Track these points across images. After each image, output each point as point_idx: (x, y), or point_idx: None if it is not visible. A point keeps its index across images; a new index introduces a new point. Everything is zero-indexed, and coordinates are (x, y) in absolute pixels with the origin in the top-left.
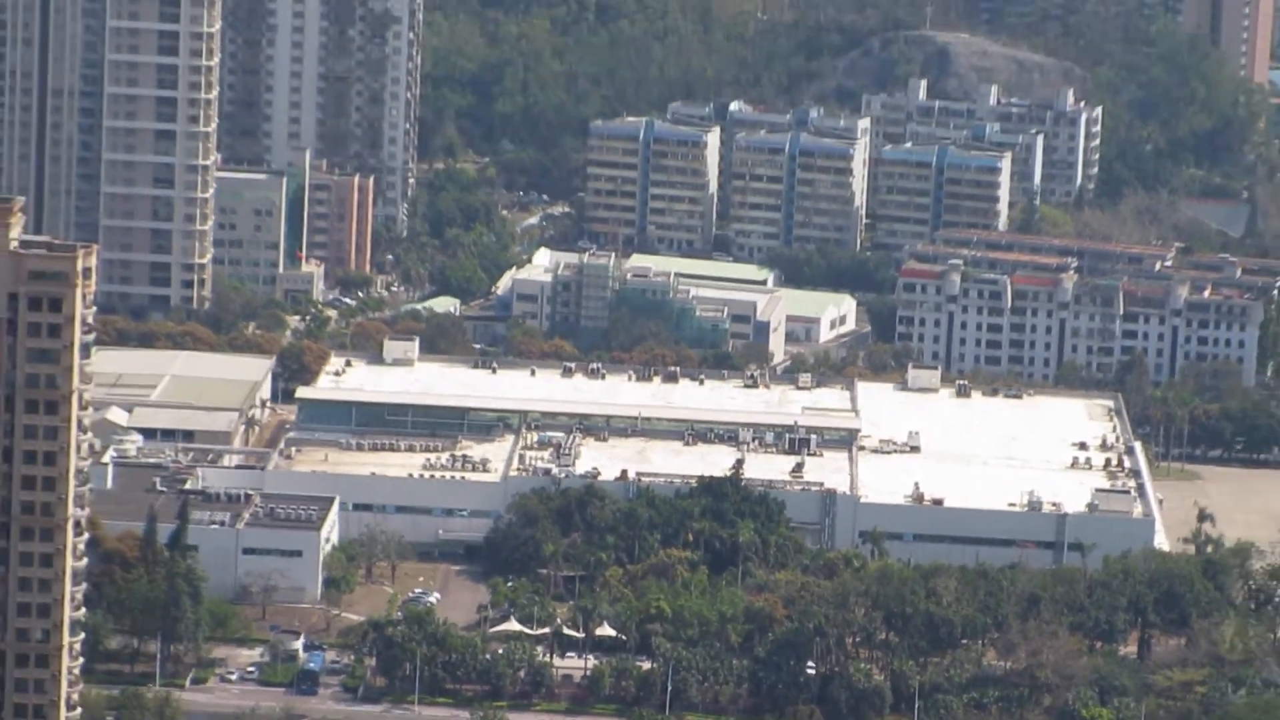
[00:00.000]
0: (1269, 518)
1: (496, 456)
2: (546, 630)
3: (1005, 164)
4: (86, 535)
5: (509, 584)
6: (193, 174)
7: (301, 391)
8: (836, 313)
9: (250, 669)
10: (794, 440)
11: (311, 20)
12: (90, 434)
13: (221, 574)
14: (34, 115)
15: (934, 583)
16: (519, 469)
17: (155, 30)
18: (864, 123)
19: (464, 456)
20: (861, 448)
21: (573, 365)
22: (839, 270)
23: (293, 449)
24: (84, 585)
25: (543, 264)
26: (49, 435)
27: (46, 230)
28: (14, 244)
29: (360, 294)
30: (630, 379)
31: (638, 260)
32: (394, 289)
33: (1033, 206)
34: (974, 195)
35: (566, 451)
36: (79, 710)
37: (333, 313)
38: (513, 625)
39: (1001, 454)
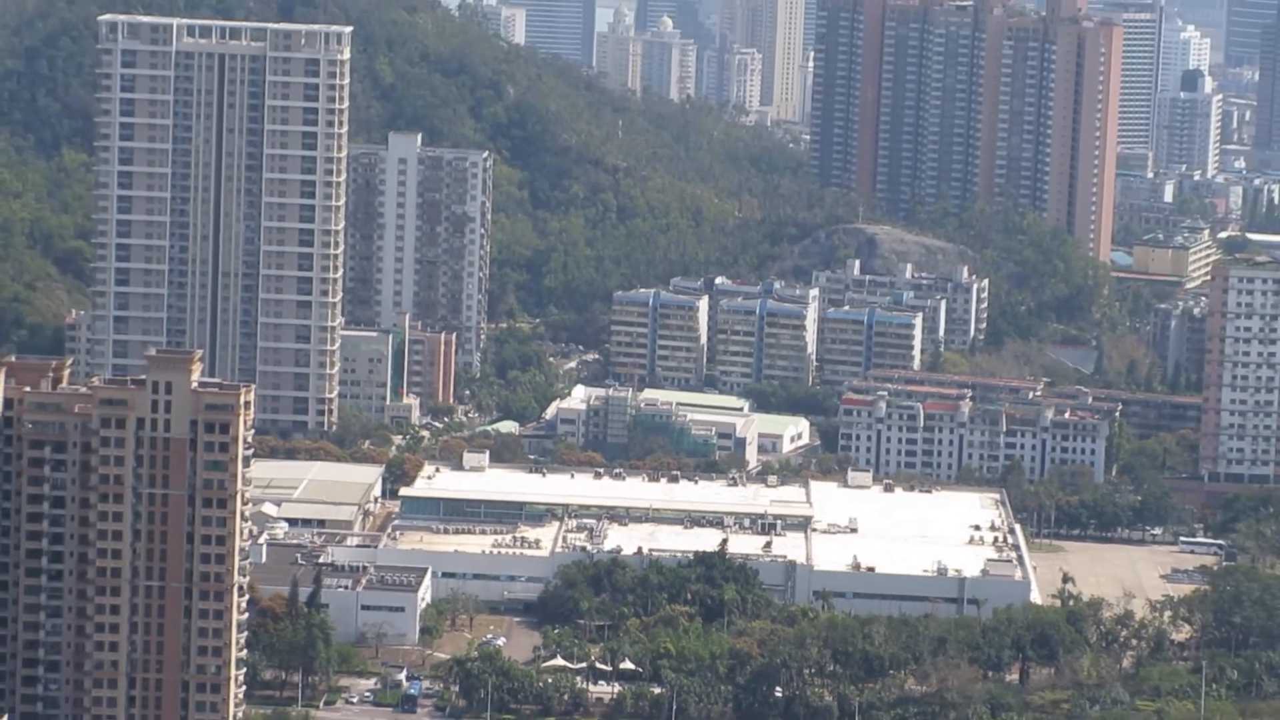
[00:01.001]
0: (1114, 580)
1: (546, 538)
2: (584, 665)
3: (918, 321)
4: (247, 596)
5: (556, 631)
6: (324, 333)
7: (403, 491)
8: (795, 431)
9: (367, 694)
10: (764, 524)
11: (410, 220)
12: (249, 522)
13: (346, 624)
14: (209, 290)
15: (869, 629)
16: (562, 547)
17: (297, 229)
18: (814, 292)
19: (522, 538)
20: (814, 530)
21: (601, 470)
22: (797, 400)
23: (397, 533)
24: (245, 633)
25: (579, 397)
26: (220, 524)
27: (218, 374)
28: (194, 384)
29: (446, 419)
30: (644, 480)
31: (649, 394)
32: (470, 415)
33: (938, 352)
34: (895, 344)
35: (597, 534)
36: None
37: (426, 433)
38: (559, 661)
39: (917, 533)
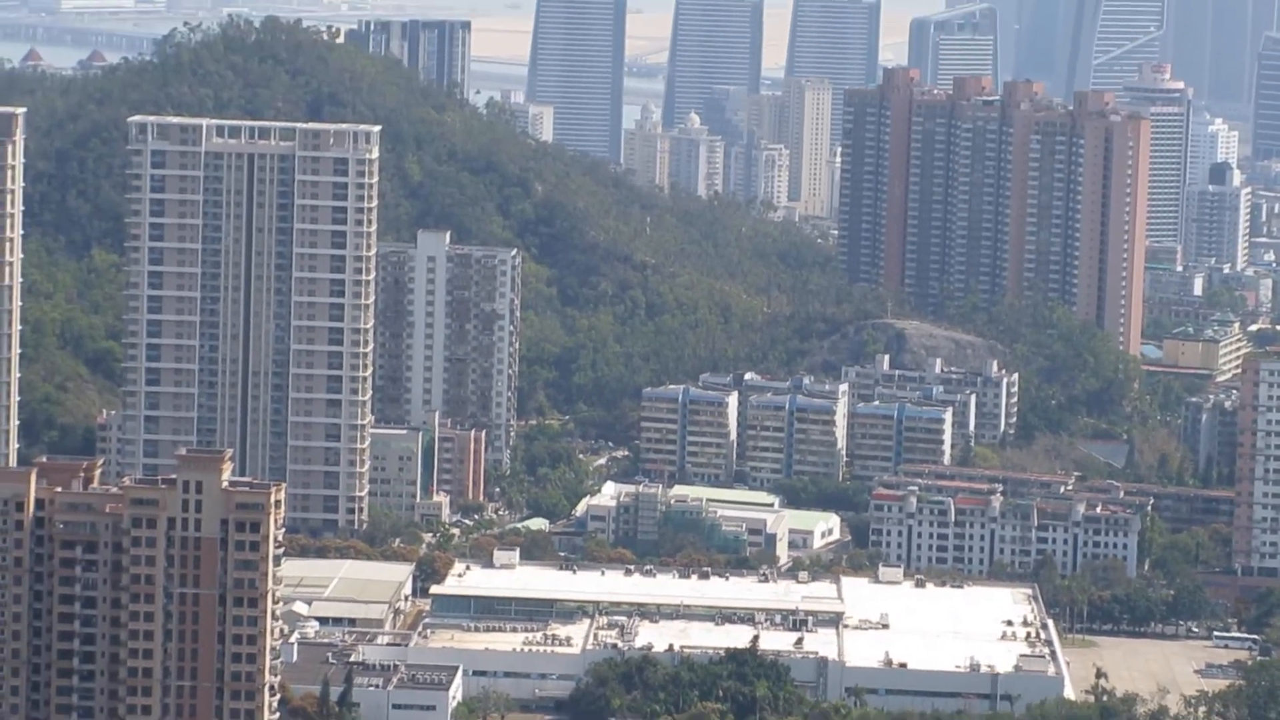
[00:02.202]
0: (1148, 675)
1: (577, 635)
2: None
3: (948, 416)
4: (278, 696)
5: None
6: (354, 431)
7: (434, 589)
8: (825, 526)
9: None
10: (795, 621)
11: (439, 318)
12: (280, 621)
13: None
14: (239, 389)
15: None
16: (593, 644)
17: (326, 327)
18: (843, 387)
19: (553, 635)
20: (845, 626)
21: (632, 567)
22: (827, 495)
23: (428, 631)
24: None
25: (609, 493)
26: (250, 623)
27: (248, 473)
28: (225, 483)
29: (476, 517)
30: (674, 576)
31: (679, 490)
32: (500, 513)
33: (969, 447)
34: (925, 439)
35: (628, 631)
36: None
37: (456, 531)
38: None
39: (949, 629)
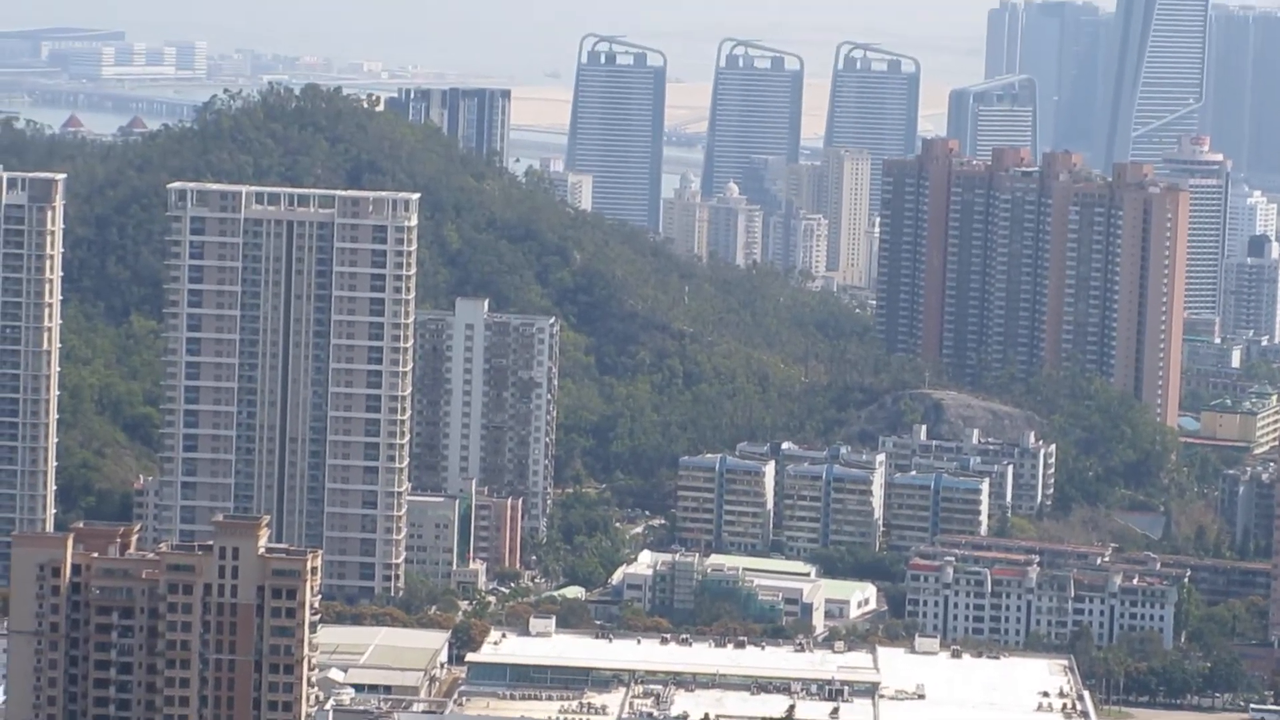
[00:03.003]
0: None
1: (613, 703)
2: None
3: (985, 487)
4: None
5: None
6: (390, 498)
7: (470, 656)
8: (862, 596)
9: None
10: (831, 691)
11: (476, 386)
12: (316, 688)
13: None
14: (277, 456)
15: None
16: (629, 713)
17: (364, 394)
18: (880, 457)
19: (588, 703)
20: (881, 696)
21: (668, 636)
22: (863, 565)
23: (464, 699)
24: None
25: (645, 562)
26: (287, 689)
27: (285, 540)
28: (261, 549)
29: (512, 585)
30: (710, 645)
31: (715, 559)
32: (537, 581)
33: (1005, 518)
34: (962, 510)
35: (664, 699)
36: None
37: (492, 599)
38: None
39: (985, 700)
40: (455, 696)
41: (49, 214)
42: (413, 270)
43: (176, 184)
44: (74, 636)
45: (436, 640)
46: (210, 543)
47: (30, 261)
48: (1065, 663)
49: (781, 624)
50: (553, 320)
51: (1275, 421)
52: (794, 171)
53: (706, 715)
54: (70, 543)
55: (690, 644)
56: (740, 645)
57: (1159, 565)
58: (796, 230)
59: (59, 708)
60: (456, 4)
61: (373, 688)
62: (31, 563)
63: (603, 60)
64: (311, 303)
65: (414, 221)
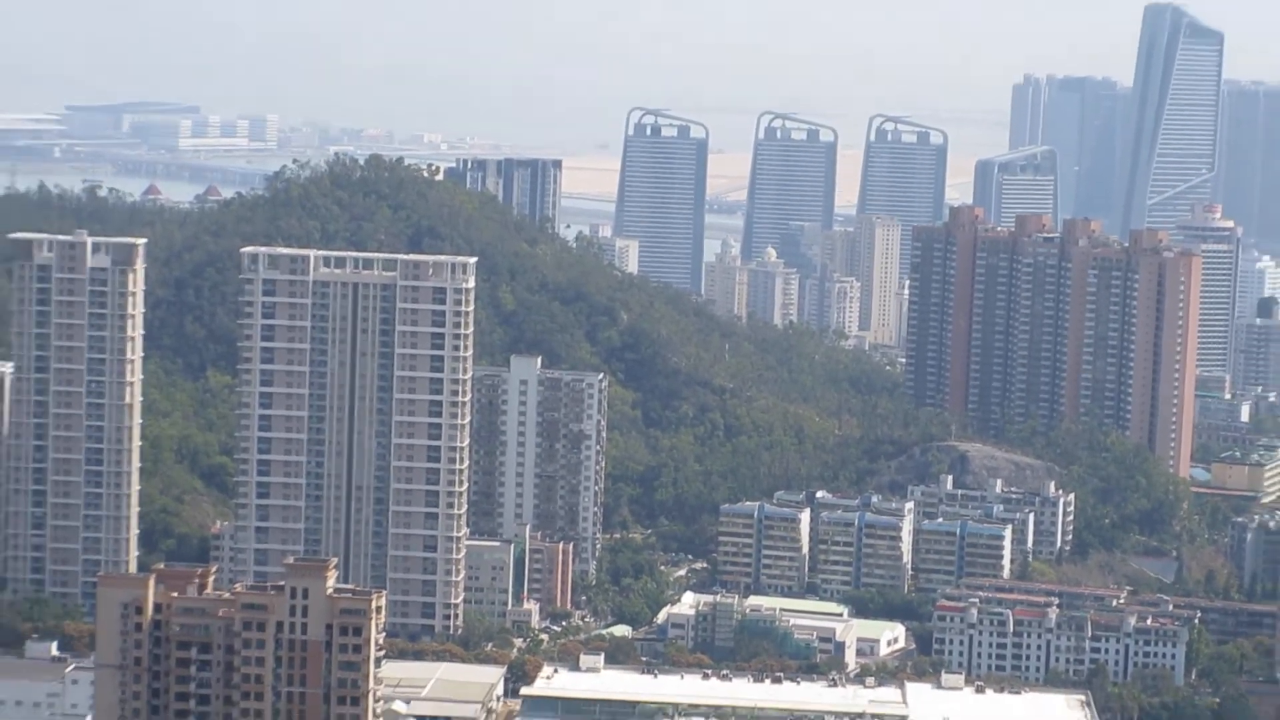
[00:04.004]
0: None
1: None
2: None
3: (1007, 533)
4: None
5: None
6: (450, 543)
7: (524, 690)
8: (891, 635)
9: None
10: None
11: (530, 438)
12: (381, 718)
13: None
14: (344, 503)
15: None
16: None
17: (425, 445)
18: (909, 505)
19: None
20: None
21: (710, 671)
22: (893, 606)
23: None
24: None
25: (688, 603)
26: (354, 719)
27: (351, 581)
28: (329, 590)
29: (563, 623)
30: (749, 681)
31: (754, 600)
32: (586, 620)
33: (1027, 562)
34: (986, 555)
35: None
36: None
37: (545, 636)
38: None
39: None
40: None
41: (130, 276)
42: (470, 329)
43: (249, 248)
44: (155, 670)
45: (493, 675)
46: (282, 583)
47: (113, 321)
48: (1083, 698)
49: (816, 661)
50: (601, 376)
51: None
52: (828, 237)
53: None
54: (152, 583)
55: (730, 679)
56: (777, 680)
57: (1171, 607)
58: (830, 292)
59: None
60: (511, 80)
61: (434, 719)
62: (116, 601)
63: (648, 132)
64: (375, 359)
65: (471, 284)
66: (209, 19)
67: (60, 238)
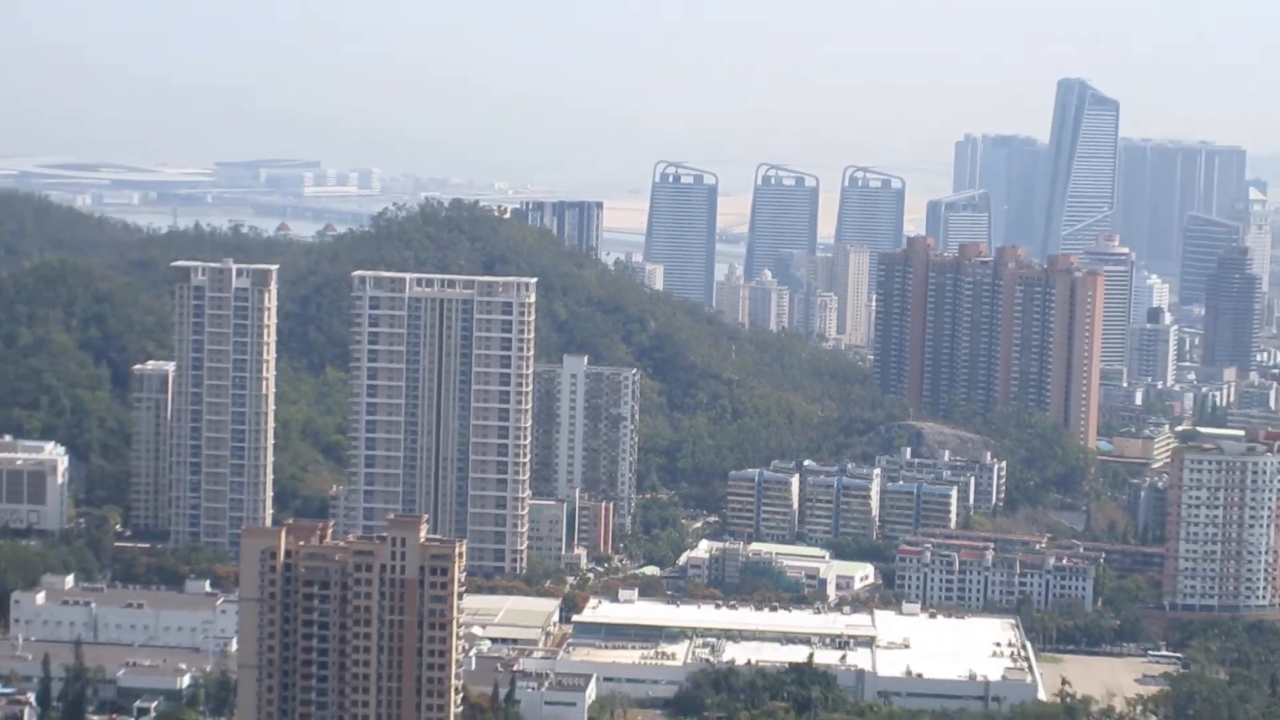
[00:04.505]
0: (1100, 684)
1: (680, 652)
2: None
3: (954, 493)
4: (461, 695)
5: None
6: (516, 502)
7: (575, 618)
8: (863, 574)
9: None
10: (840, 642)
11: (579, 420)
12: (463, 640)
13: (534, 714)
14: (433, 471)
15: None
16: (692, 659)
17: (496, 425)
18: (876, 471)
19: (662, 652)
20: (877, 646)
21: (720, 602)
22: (865, 550)
23: (571, 649)
24: None
25: (703, 548)
26: (441, 641)
27: (439, 532)
28: (422, 539)
29: (606, 565)
30: (751, 609)
31: (755, 546)
32: (624, 562)
33: (969, 515)
34: (937, 509)
35: (718, 649)
36: None
37: (591, 575)
38: None
39: (954, 649)
40: (564, 647)
41: (266, 295)
42: (531, 335)
43: (358, 272)
44: (286, 603)
45: (550, 606)
46: (385, 534)
47: (252, 329)
48: (1013, 621)
49: (804, 594)
50: (635, 371)
51: (1167, 444)
52: (812, 261)
53: (749, 660)
54: (284, 534)
55: (736, 608)
56: (773, 609)
57: (1081, 550)
58: (814, 304)
59: (276, 654)
60: (563, 140)
61: (504, 640)
62: (256, 549)
63: (671, 180)
64: (457, 358)
65: (532, 299)
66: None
67: (211, 265)
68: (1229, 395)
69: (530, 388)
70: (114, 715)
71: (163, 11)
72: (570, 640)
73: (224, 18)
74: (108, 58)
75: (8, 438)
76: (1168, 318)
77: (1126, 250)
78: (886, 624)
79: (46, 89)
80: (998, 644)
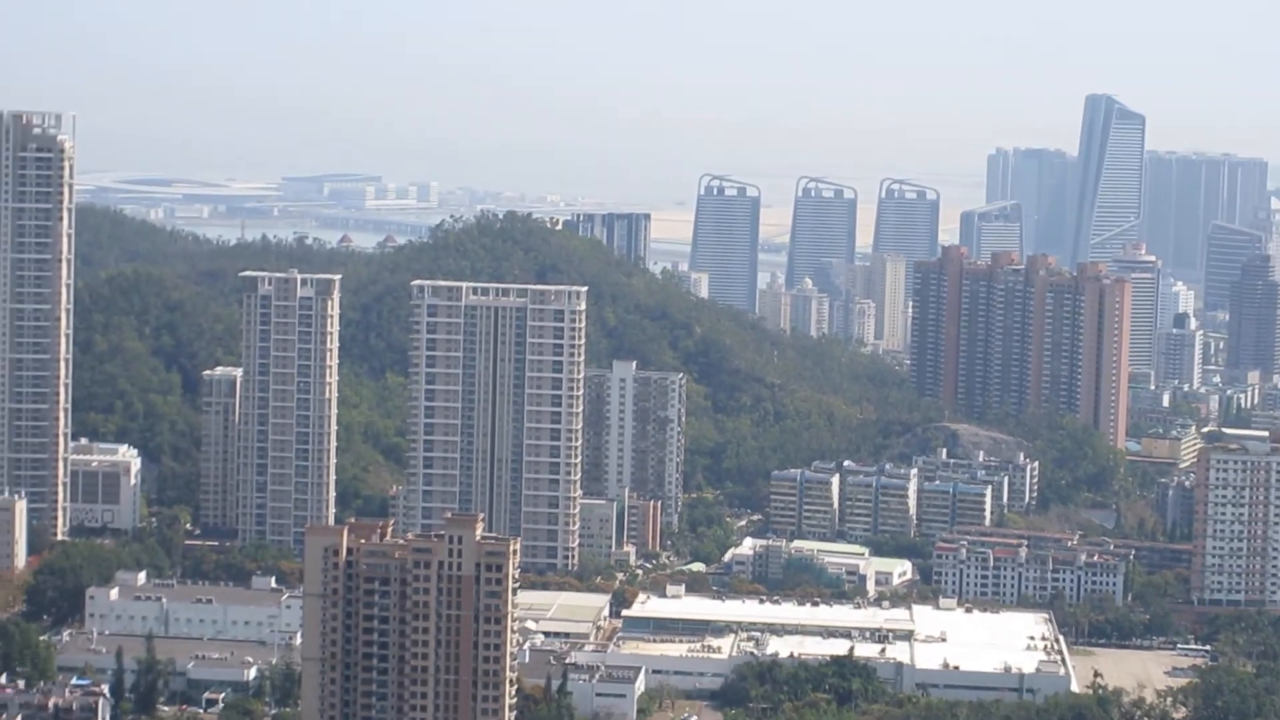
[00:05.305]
0: (1131, 675)
1: (725, 645)
2: None
3: (988, 492)
4: (516, 686)
5: (733, 712)
6: (568, 501)
7: (625, 612)
8: (901, 569)
9: None
10: (879, 636)
11: (628, 422)
12: (517, 634)
13: (585, 707)
14: (488, 471)
15: (955, 711)
16: (737, 651)
17: (548, 428)
18: (914, 471)
19: (708, 645)
20: (915, 640)
21: (764, 597)
22: (903, 547)
23: (620, 642)
24: (515, 713)
25: (748, 545)
26: (497, 635)
27: (494, 530)
28: (478, 537)
29: (654, 561)
30: (794, 604)
31: (797, 543)
32: (671, 559)
33: (1003, 513)
34: (972, 508)
35: (761, 642)
36: None
37: (640, 571)
38: None
39: (989, 642)
40: (614, 640)
41: (329, 303)
42: (582, 341)
43: (417, 281)
44: (348, 597)
45: (601, 601)
46: (442, 532)
47: (316, 336)
48: (1046, 616)
49: (844, 589)
50: (681, 375)
51: (1194, 445)
52: (851, 270)
53: (791, 653)
54: (345, 532)
55: (779, 603)
56: (815, 604)
57: (1112, 546)
58: (853, 311)
59: (338, 647)
60: (611, 155)
61: (556, 634)
62: (319, 546)
63: (715, 192)
64: (511, 364)
65: (583, 307)
66: (388, 113)
67: (277, 275)
68: (1253, 397)
69: (581, 392)
70: (184, 706)
71: (233, 34)
72: (620, 634)
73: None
74: (181, 78)
75: (84, 440)
76: (1193, 323)
77: (1153, 258)
78: (924, 618)
79: (124, 108)
80: (1031, 638)
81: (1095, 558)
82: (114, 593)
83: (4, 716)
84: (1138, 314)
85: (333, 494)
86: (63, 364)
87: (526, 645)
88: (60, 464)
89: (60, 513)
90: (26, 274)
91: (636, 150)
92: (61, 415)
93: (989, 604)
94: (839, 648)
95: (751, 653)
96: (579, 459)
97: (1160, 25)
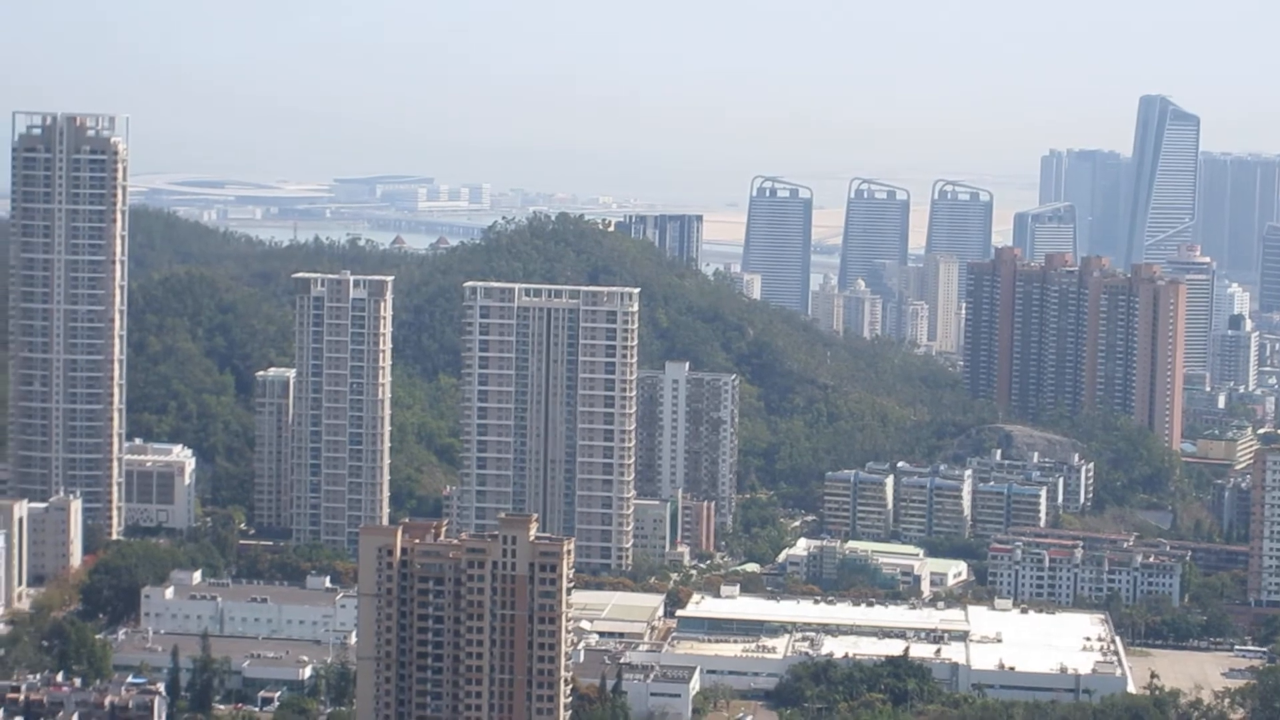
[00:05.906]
0: (1188, 676)
1: (780, 645)
2: None
3: (1043, 493)
4: (570, 686)
5: (788, 712)
6: (622, 502)
7: (679, 612)
8: (956, 570)
9: None
10: (935, 636)
11: (681, 423)
12: (571, 634)
13: (639, 706)
14: (542, 472)
15: (1011, 712)
16: (791, 652)
17: (602, 429)
18: (968, 472)
19: (763, 645)
20: (971, 640)
21: (819, 598)
22: (957, 548)
23: (675, 642)
24: (570, 713)
25: (802, 546)
26: (551, 635)
27: (548, 530)
28: (532, 537)
29: (708, 562)
30: (849, 605)
31: (852, 544)
32: (725, 559)
33: (1058, 514)
34: (1027, 509)
35: (816, 642)
36: None
37: (694, 572)
38: None
39: (1045, 643)
40: (669, 640)
41: (382, 304)
42: (635, 342)
43: (470, 283)
44: (403, 597)
45: (655, 601)
46: (496, 532)
47: (369, 338)
48: (1102, 617)
49: (899, 590)
50: (734, 376)
51: (1250, 446)
52: (903, 271)
53: (846, 654)
54: (400, 533)
55: (834, 604)
56: (870, 604)
57: (1168, 548)
58: (906, 312)
59: (393, 647)
60: (663, 156)
61: (611, 634)
62: (373, 546)
63: (767, 194)
64: (564, 365)
65: (635, 308)
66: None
67: (330, 276)
68: None
69: (634, 393)
70: (239, 705)
71: (285, 41)
72: (674, 634)
73: (342, 45)
74: (234, 81)
75: (138, 441)
76: (1248, 324)
77: (1208, 260)
78: (979, 619)
79: (177, 113)
80: (1087, 638)
81: (1151, 559)
82: (169, 592)
83: (61, 715)
84: (1193, 316)
85: (386, 494)
86: (117, 365)
87: (581, 645)
88: (115, 464)
89: (115, 513)
90: (81, 275)
91: (689, 152)
92: (116, 415)
93: (1044, 605)
94: (894, 648)
95: (806, 653)
96: (632, 460)
97: (1214, 26)
